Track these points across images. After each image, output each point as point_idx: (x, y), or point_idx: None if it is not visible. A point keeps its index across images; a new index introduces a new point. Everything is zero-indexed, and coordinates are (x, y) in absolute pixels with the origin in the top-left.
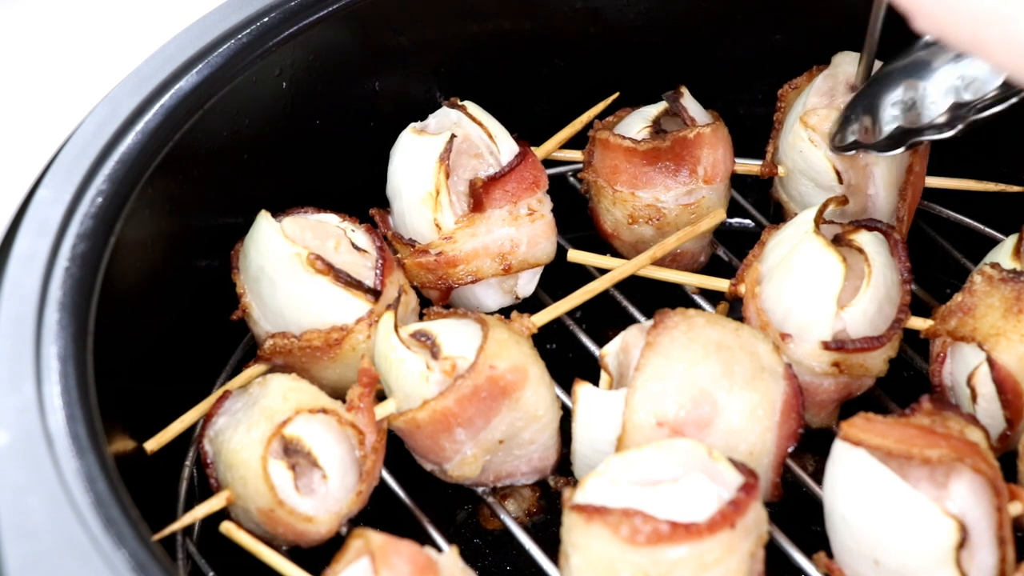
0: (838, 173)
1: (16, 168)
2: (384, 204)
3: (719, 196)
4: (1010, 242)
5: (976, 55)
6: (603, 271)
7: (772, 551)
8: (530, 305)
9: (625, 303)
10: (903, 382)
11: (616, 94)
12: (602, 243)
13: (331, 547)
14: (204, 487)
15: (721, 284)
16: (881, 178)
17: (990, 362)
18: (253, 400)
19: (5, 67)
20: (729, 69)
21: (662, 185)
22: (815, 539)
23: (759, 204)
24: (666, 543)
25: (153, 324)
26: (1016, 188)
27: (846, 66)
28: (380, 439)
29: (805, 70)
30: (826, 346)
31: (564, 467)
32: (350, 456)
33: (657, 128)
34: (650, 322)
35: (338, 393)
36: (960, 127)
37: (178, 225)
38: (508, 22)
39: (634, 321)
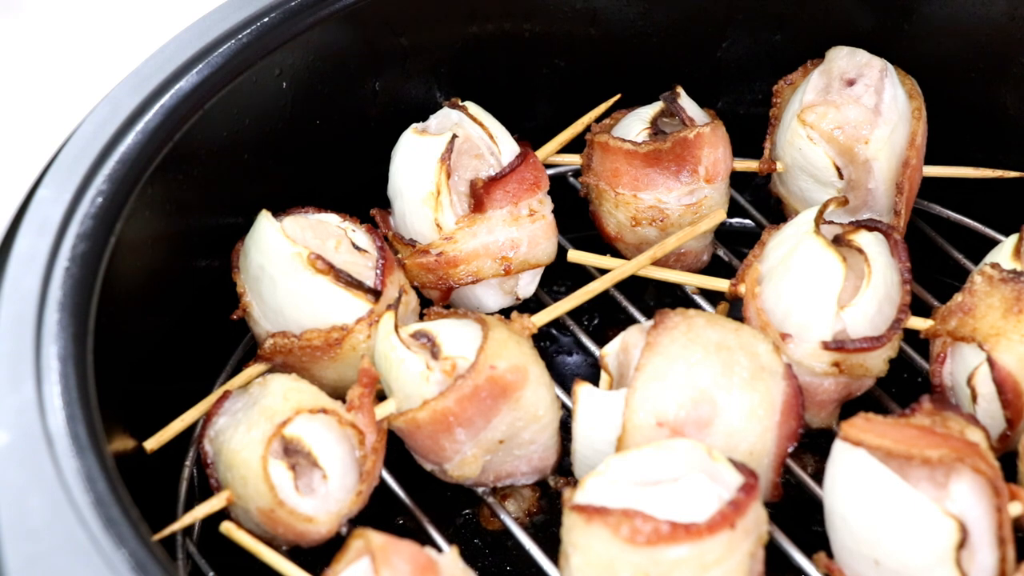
0: (838, 169)
1: (16, 168)
2: (385, 204)
3: (720, 195)
4: (1010, 242)
5: None
6: (603, 271)
7: (772, 551)
8: (530, 305)
9: (625, 303)
10: (903, 382)
11: (618, 95)
12: (602, 243)
13: (331, 547)
14: (204, 487)
15: (721, 284)
16: (880, 172)
17: (990, 362)
18: (253, 400)
19: (6, 68)
20: (729, 69)
21: (664, 186)
22: (815, 539)
23: (759, 204)
24: (666, 543)
25: (153, 324)
26: (1014, 174)
27: (840, 61)
28: (380, 439)
29: None
30: (826, 346)
31: (564, 467)
32: (350, 456)
33: (655, 129)
34: (650, 322)
35: (338, 393)
36: None
37: (178, 225)
38: (508, 23)
39: (634, 321)
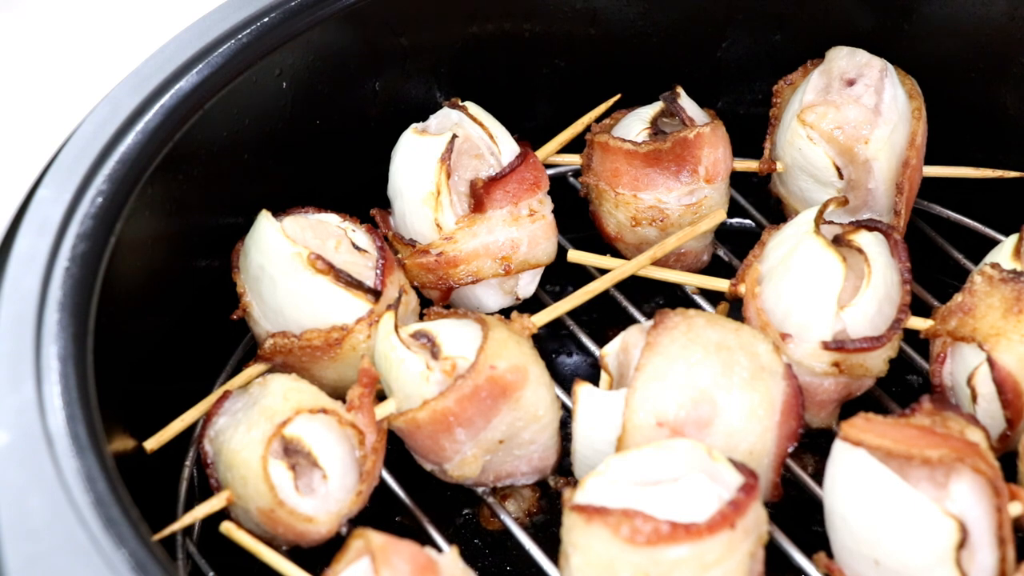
0: (838, 169)
1: (16, 168)
2: (385, 204)
3: (720, 195)
4: (1010, 242)
5: None
6: (603, 271)
7: (772, 551)
8: (530, 305)
9: (625, 303)
10: (903, 382)
11: (618, 96)
12: (602, 243)
13: (331, 547)
14: (204, 487)
15: (721, 284)
16: (880, 172)
17: (990, 362)
18: (253, 400)
19: (5, 68)
20: (729, 69)
21: (664, 186)
22: (815, 539)
23: (759, 204)
24: (666, 543)
25: (153, 324)
26: (1014, 174)
27: (840, 61)
28: (380, 439)
29: None
30: (826, 346)
31: (564, 467)
32: (350, 456)
33: (655, 129)
34: (650, 322)
35: (338, 393)
36: None
37: (178, 225)
38: (508, 23)
39: (634, 321)
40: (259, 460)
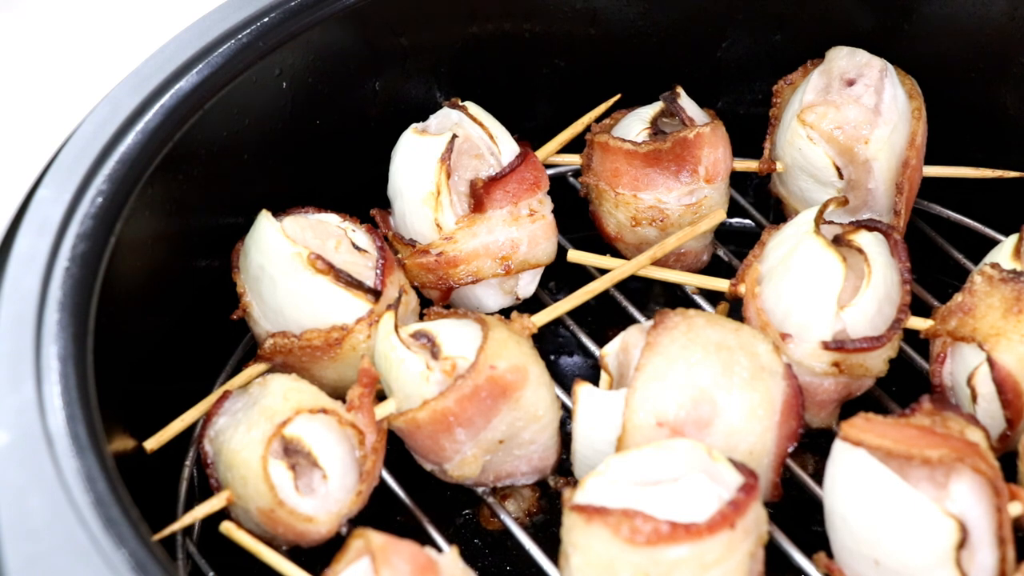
0: (838, 169)
1: (16, 168)
2: (385, 204)
3: (720, 195)
4: (1010, 242)
5: None
6: (603, 271)
7: (772, 551)
8: (530, 305)
9: (625, 303)
10: (903, 382)
11: (618, 96)
12: (602, 243)
13: (331, 547)
14: (204, 487)
15: (721, 284)
16: (880, 172)
17: (990, 362)
18: (253, 400)
19: (5, 67)
20: (729, 69)
21: (664, 186)
22: (815, 539)
23: (759, 204)
24: (666, 543)
25: (153, 324)
26: (1014, 174)
27: (840, 61)
28: (380, 439)
29: None
30: (826, 346)
31: (564, 467)
32: (350, 456)
33: (655, 129)
34: (650, 322)
35: (338, 393)
36: None
37: (178, 225)
38: (508, 23)
39: (634, 321)
40: (259, 460)
